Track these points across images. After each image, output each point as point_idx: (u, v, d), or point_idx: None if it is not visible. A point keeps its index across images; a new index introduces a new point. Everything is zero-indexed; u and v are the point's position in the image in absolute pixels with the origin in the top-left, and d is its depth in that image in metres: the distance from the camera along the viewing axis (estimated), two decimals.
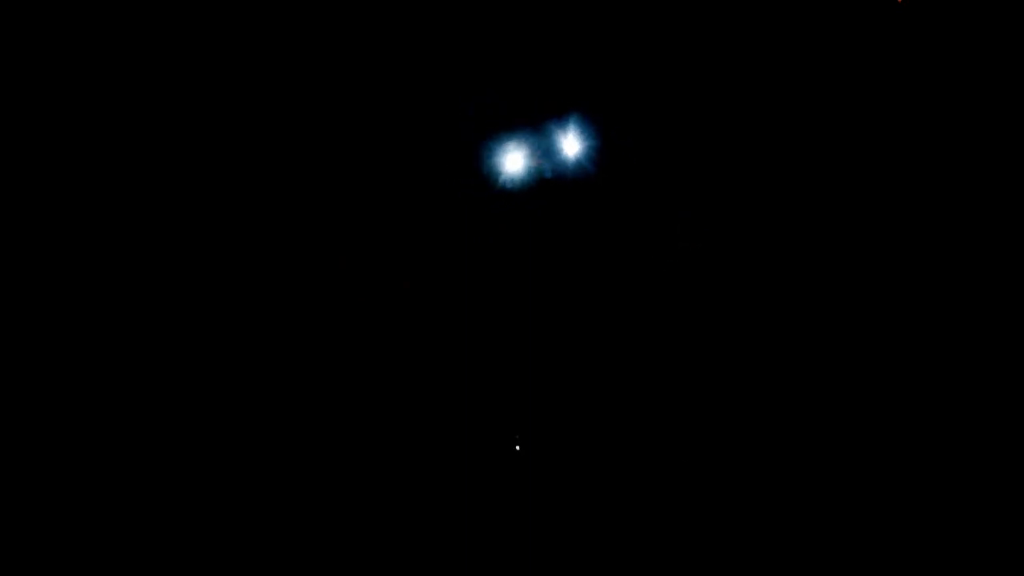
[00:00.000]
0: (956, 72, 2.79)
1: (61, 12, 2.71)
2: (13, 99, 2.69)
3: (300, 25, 2.79)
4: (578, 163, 2.83)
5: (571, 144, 2.83)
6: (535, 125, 2.83)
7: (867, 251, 2.78)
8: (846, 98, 2.83)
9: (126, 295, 2.71)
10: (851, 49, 2.82)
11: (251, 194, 2.79)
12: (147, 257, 2.73)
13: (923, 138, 2.80)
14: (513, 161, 2.82)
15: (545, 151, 2.83)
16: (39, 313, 2.66)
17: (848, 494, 2.60)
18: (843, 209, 2.81)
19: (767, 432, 2.69)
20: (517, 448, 2.70)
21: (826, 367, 2.73)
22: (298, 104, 2.81)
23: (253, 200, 2.79)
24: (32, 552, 2.49)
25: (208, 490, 2.60)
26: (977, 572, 2.49)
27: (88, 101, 2.73)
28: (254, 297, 2.75)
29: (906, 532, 2.55)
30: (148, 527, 2.55)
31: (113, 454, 2.61)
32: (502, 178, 2.83)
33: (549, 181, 2.84)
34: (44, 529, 2.51)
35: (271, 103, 2.80)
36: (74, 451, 2.60)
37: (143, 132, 2.76)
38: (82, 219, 2.71)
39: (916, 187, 2.79)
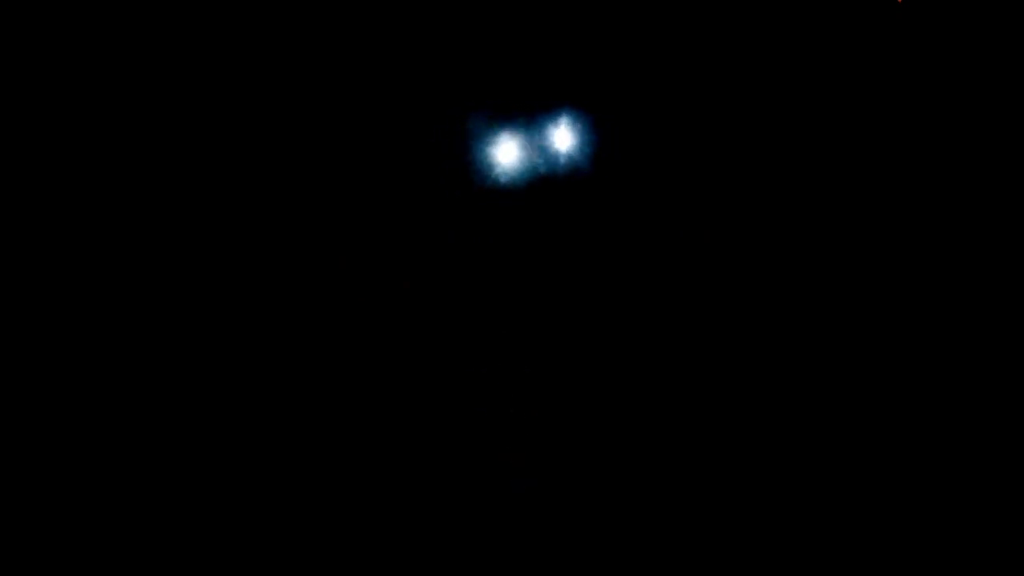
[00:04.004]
0: (956, 72, 2.79)
1: (61, 12, 2.71)
2: (13, 99, 2.69)
3: (298, 25, 2.79)
4: (573, 159, 2.83)
5: (565, 139, 2.83)
6: (531, 120, 2.83)
7: (866, 251, 2.78)
8: (846, 98, 2.83)
9: (125, 294, 2.71)
10: (851, 49, 2.82)
11: (250, 194, 2.79)
12: (146, 257, 2.73)
13: (923, 138, 2.81)
14: (509, 157, 2.82)
15: (542, 146, 2.83)
16: (39, 313, 2.66)
17: (847, 492, 2.60)
18: (842, 210, 2.81)
19: (767, 431, 2.69)
20: (516, 446, 2.70)
21: (825, 366, 2.73)
22: (296, 104, 2.81)
23: (252, 200, 2.79)
24: (32, 552, 2.49)
25: (208, 490, 2.60)
26: (977, 572, 2.49)
27: (88, 101, 2.73)
28: (254, 297, 2.75)
29: (906, 531, 2.55)
30: (148, 526, 2.55)
31: (113, 453, 2.61)
32: (499, 175, 2.83)
33: (546, 178, 2.84)
34: (44, 529, 2.51)
35: (269, 103, 2.80)
36: (74, 450, 2.60)
37: (142, 132, 2.76)
38: (82, 219, 2.71)
39: (916, 187, 2.80)
